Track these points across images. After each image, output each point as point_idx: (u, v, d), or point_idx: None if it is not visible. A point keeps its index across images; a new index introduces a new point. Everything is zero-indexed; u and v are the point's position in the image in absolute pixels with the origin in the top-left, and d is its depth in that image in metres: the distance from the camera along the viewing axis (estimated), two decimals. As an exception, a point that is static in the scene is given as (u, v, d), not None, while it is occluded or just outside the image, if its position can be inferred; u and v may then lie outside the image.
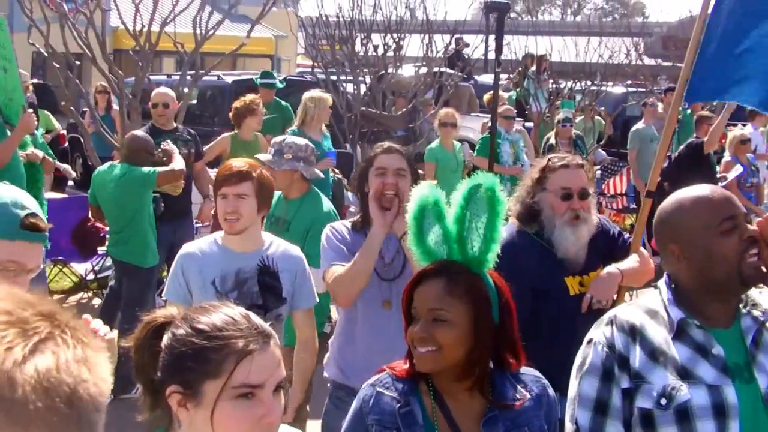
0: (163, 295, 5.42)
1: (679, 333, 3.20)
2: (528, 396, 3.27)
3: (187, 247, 5.36)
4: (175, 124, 10.41)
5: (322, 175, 7.34)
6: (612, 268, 4.98)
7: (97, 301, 11.15)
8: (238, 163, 5.35)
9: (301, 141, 7.18)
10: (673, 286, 3.31)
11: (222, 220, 5.21)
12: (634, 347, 3.21)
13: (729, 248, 3.15)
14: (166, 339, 2.42)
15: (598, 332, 3.33)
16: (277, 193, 6.69)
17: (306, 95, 11.22)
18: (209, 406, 2.34)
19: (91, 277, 11.83)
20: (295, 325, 5.47)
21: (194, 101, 15.89)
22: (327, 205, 7.01)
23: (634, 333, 3.24)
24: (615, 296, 5.02)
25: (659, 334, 3.22)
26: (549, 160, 5.19)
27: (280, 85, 13.55)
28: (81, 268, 12.02)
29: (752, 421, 3.10)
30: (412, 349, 3.20)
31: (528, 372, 3.36)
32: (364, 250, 5.00)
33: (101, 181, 8.84)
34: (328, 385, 5.33)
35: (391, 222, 5.01)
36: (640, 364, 3.18)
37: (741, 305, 3.26)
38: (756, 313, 3.24)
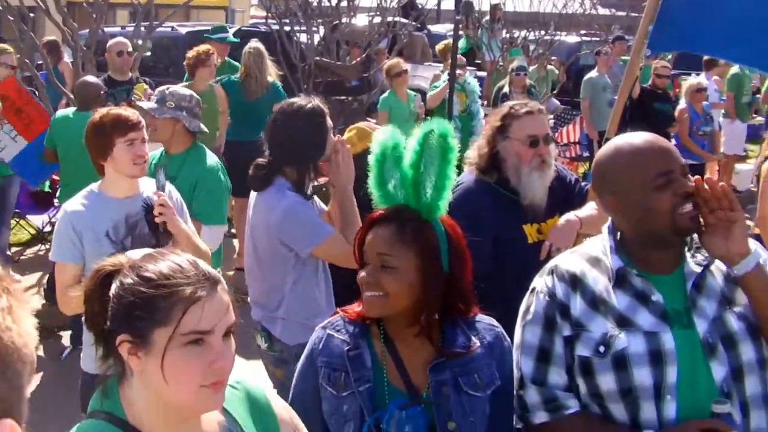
0: (51, 257, 5.24)
1: (619, 281, 3.19)
2: (479, 344, 3.24)
3: (70, 206, 5.23)
4: (130, 75, 10.30)
5: (206, 129, 6.99)
6: (570, 215, 4.97)
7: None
8: (129, 111, 5.35)
9: (186, 91, 6.88)
10: (615, 233, 3.30)
11: (130, 165, 5.16)
12: (574, 296, 3.22)
13: (663, 203, 3.11)
14: (114, 288, 2.36)
15: (540, 281, 3.35)
16: (159, 149, 6.70)
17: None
18: (159, 354, 2.30)
19: (48, 229, 11.70)
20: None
21: (148, 53, 15.69)
22: (212, 159, 6.76)
23: (574, 282, 3.24)
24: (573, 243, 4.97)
25: (600, 283, 3.21)
26: (511, 107, 5.13)
27: (234, 40, 13.12)
28: (38, 220, 11.99)
29: (690, 366, 3.09)
30: (361, 293, 3.18)
31: (483, 320, 3.34)
32: (352, 208, 5.07)
33: (62, 125, 8.71)
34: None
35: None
36: (580, 313, 3.19)
37: (686, 249, 3.25)
38: (699, 257, 3.22)
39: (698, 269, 3.20)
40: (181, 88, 6.98)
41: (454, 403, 3.13)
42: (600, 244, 3.32)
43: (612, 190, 3.22)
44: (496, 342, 3.29)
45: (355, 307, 3.27)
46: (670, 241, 3.19)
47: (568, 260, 3.34)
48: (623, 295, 3.17)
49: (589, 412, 3.19)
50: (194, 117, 6.69)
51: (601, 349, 3.12)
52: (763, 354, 3.17)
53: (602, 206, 3.34)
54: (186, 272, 2.35)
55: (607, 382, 3.12)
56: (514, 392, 3.29)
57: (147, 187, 5.36)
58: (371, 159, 3.23)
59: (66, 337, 8.90)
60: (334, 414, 3.15)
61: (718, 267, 3.22)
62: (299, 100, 5.33)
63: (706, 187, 3.10)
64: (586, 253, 3.33)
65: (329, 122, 5.23)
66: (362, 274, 3.16)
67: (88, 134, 5.27)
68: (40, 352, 8.77)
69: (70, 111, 8.90)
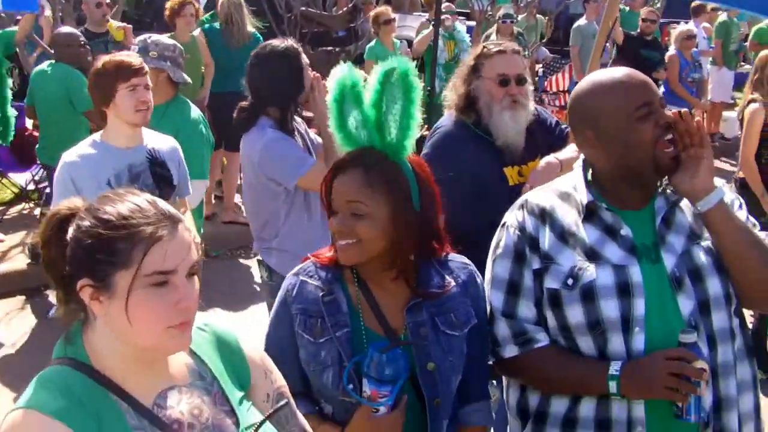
0: (51, 208, 5.24)
1: (588, 215, 3.19)
2: (454, 283, 3.21)
3: (69, 156, 5.23)
4: (106, 28, 10.21)
5: (189, 80, 6.94)
6: (550, 157, 4.95)
7: (38, 212, 11.02)
8: (132, 57, 5.32)
9: (169, 40, 6.78)
10: (588, 169, 3.29)
11: (132, 111, 5.15)
12: (543, 229, 3.22)
13: (644, 135, 3.09)
14: (71, 232, 2.31)
15: (511, 216, 3.34)
16: None
17: None
18: (123, 297, 2.25)
19: (31, 187, 11.63)
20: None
21: (126, 9, 15.54)
22: (195, 112, 6.70)
23: (544, 216, 3.24)
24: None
25: (569, 216, 3.21)
26: (484, 47, 5.13)
27: None
28: (21, 178, 11.81)
29: (658, 299, 3.10)
30: (334, 241, 3.13)
31: (455, 258, 3.30)
32: (332, 147, 5.03)
33: (40, 80, 8.62)
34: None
35: None
36: (549, 246, 3.19)
37: (656, 190, 3.24)
38: (668, 193, 3.22)
39: (667, 205, 3.19)
40: (164, 38, 6.86)
41: (432, 344, 3.11)
42: (571, 180, 3.30)
43: (591, 124, 3.17)
44: (470, 280, 3.26)
45: (327, 252, 3.22)
46: (646, 178, 3.17)
47: (539, 195, 3.32)
48: (593, 229, 3.17)
49: (558, 345, 3.20)
50: (178, 67, 6.60)
51: (570, 281, 3.12)
52: (728, 289, 3.17)
53: (579, 142, 3.29)
54: (145, 212, 2.30)
55: (575, 314, 3.12)
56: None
57: (151, 138, 5.35)
58: (329, 99, 3.14)
59: (52, 295, 8.86)
60: (312, 361, 3.10)
61: (687, 203, 3.21)
62: (273, 42, 5.47)
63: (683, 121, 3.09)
64: (557, 189, 3.32)
65: (305, 59, 5.29)
66: (333, 222, 3.10)
67: (91, 80, 5.26)
68: (28, 311, 8.77)
69: (47, 64, 8.78)
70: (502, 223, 3.36)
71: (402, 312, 3.13)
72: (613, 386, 3.04)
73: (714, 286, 3.15)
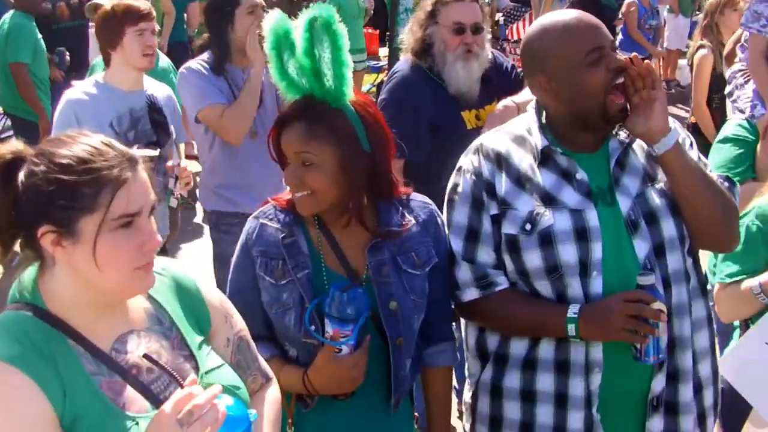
0: None
1: (544, 159, 3.14)
2: (414, 221, 3.18)
3: (73, 93, 5.20)
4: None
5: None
6: (507, 101, 4.91)
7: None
8: (140, 1, 5.26)
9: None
10: (541, 112, 3.24)
11: (139, 55, 5.13)
12: (500, 174, 3.17)
13: (596, 80, 3.03)
14: (23, 178, 2.23)
15: (467, 160, 3.28)
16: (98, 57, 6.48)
17: None
18: (89, 242, 2.20)
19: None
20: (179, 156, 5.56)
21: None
22: (164, 60, 6.70)
23: (500, 160, 3.19)
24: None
25: (525, 161, 3.16)
26: None
27: None
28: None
29: (615, 242, 3.08)
30: (291, 193, 3.09)
31: (416, 198, 3.27)
32: (249, 89, 5.15)
33: None
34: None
35: None
36: (506, 191, 3.15)
37: (609, 135, 3.20)
38: (622, 135, 3.18)
39: (621, 147, 3.16)
40: None
41: (394, 282, 3.09)
42: (525, 123, 3.26)
43: (542, 68, 3.13)
44: (431, 219, 3.23)
45: (287, 195, 3.17)
46: (596, 124, 3.12)
47: (494, 139, 3.27)
48: (548, 174, 3.13)
49: (517, 289, 3.18)
50: None
51: (528, 226, 3.09)
52: (682, 230, 3.16)
53: (530, 85, 3.25)
54: (105, 154, 2.25)
55: (533, 259, 3.10)
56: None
57: (150, 84, 5.34)
58: (267, 47, 3.07)
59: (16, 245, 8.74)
60: (275, 303, 3.07)
61: (640, 145, 3.18)
62: None
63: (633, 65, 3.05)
64: (512, 132, 3.27)
65: (246, 7, 5.22)
66: (286, 174, 3.06)
67: (98, 23, 5.25)
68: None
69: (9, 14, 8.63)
70: (457, 167, 3.30)
71: (363, 252, 3.10)
72: (571, 329, 3.02)
73: (668, 227, 3.14)
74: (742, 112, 5.13)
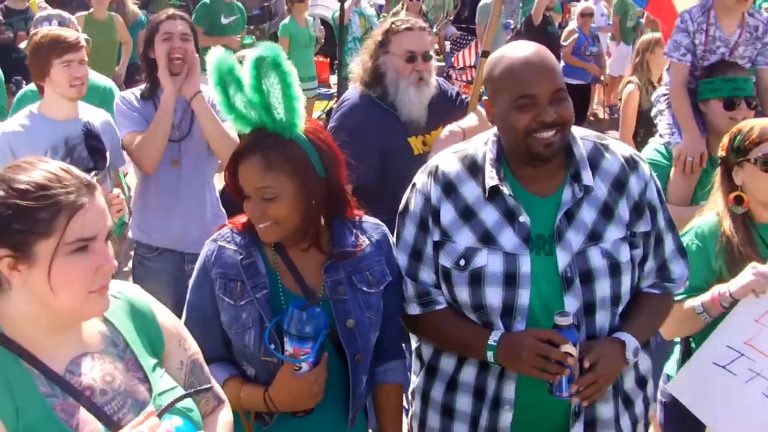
0: None
1: (492, 195, 3.13)
2: (368, 242, 3.23)
3: (8, 125, 5.15)
4: (27, 5, 9.97)
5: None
6: (453, 126, 4.98)
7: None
8: (68, 32, 5.23)
9: (67, 15, 6.59)
10: (500, 141, 3.22)
11: (67, 86, 5.06)
12: (446, 203, 3.19)
13: (519, 123, 3.04)
14: None
15: (421, 178, 3.30)
16: (25, 88, 6.45)
17: None
18: (45, 266, 2.22)
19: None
20: (114, 183, 5.40)
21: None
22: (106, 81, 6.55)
23: (449, 188, 3.20)
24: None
25: (473, 193, 3.16)
26: (392, 23, 5.15)
27: None
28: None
29: (545, 292, 3.09)
30: (254, 225, 3.12)
31: (368, 220, 3.32)
32: (159, 115, 5.07)
33: None
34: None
35: (179, 86, 5.06)
36: (449, 222, 3.17)
37: (568, 174, 3.18)
38: (577, 187, 3.14)
39: (573, 199, 3.12)
40: (63, 13, 6.70)
41: (350, 301, 3.13)
42: (483, 149, 3.23)
43: (489, 95, 3.18)
44: (384, 239, 3.29)
45: (242, 218, 3.21)
46: (527, 160, 3.11)
47: (450, 163, 3.25)
48: (493, 211, 3.13)
49: (454, 309, 3.22)
50: None
51: (462, 262, 3.13)
52: (618, 292, 3.15)
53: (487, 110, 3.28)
54: (63, 180, 2.26)
55: (462, 294, 3.15)
56: None
57: (86, 111, 5.27)
58: (212, 84, 3.09)
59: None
60: (234, 323, 3.10)
61: (597, 198, 3.15)
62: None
63: None
64: (469, 159, 3.24)
65: (162, 34, 5.15)
66: (247, 208, 3.09)
67: (29, 55, 5.19)
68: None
69: None
70: (413, 182, 3.33)
71: (319, 272, 3.14)
72: (490, 355, 3.08)
73: (603, 289, 3.12)
74: (661, 136, 5.23)
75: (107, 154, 5.23)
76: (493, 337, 3.07)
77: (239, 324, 3.09)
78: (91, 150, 5.10)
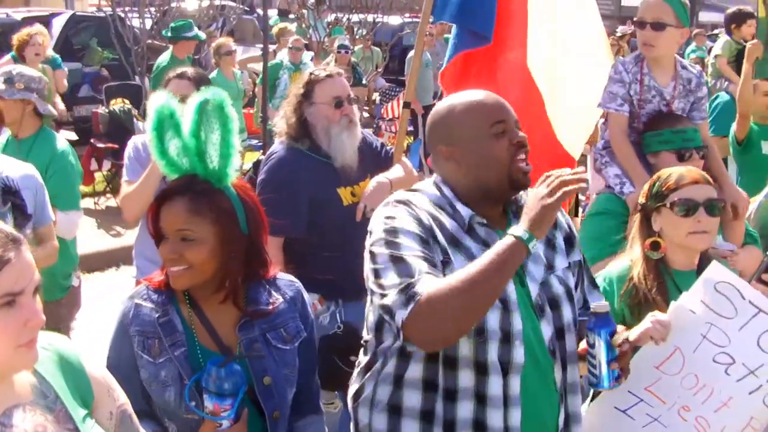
0: None
1: (468, 229, 3.11)
2: (282, 299, 3.25)
3: None
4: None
5: (55, 113, 6.62)
6: (381, 177, 5.01)
7: None
8: None
9: (35, 72, 6.36)
10: (447, 186, 3.19)
11: None
12: (437, 229, 3.07)
13: (500, 150, 3.11)
14: None
15: (398, 211, 3.08)
16: (5, 134, 6.28)
17: None
18: None
19: None
20: (39, 241, 5.12)
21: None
22: (63, 142, 6.27)
23: (433, 217, 3.10)
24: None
25: (452, 225, 3.11)
26: (311, 74, 5.17)
27: (201, 37, 13.21)
28: None
29: (527, 321, 3.09)
30: (166, 267, 3.12)
31: (283, 277, 3.33)
32: (146, 174, 5.03)
33: None
34: None
35: None
36: (446, 244, 3.06)
37: (509, 208, 3.24)
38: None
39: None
40: (28, 69, 6.46)
41: (267, 358, 3.13)
42: (436, 191, 3.19)
43: (448, 141, 3.18)
44: (297, 296, 3.30)
45: (158, 276, 3.21)
46: (501, 193, 3.16)
47: (420, 199, 3.14)
48: (472, 242, 3.10)
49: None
50: (43, 99, 6.17)
51: None
52: (576, 316, 3.24)
53: (436, 160, 3.25)
54: None
55: None
56: (372, 309, 3.13)
57: (6, 165, 5.09)
58: (148, 127, 3.10)
59: None
60: (154, 381, 3.10)
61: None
62: None
63: None
64: (432, 198, 3.17)
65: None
66: (163, 249, 3.09)
67: None
68: None
69: None
70: (381, 216, 3.10)
71: (234, 329, 3.15)
72: (532, 242, 2.92)
73: (567, 313, 3.19)
74: (610, 187, 5.24)
75: (29, 209, 5.07)
76: (516, 230, 2.93)
77: (159, 381, 3.09)
78: (13, 205, 4.93)
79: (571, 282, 3.29)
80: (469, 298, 2.87)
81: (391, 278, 2.94)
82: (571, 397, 3.23)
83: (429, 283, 2.88)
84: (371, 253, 3.05)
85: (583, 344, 3.19)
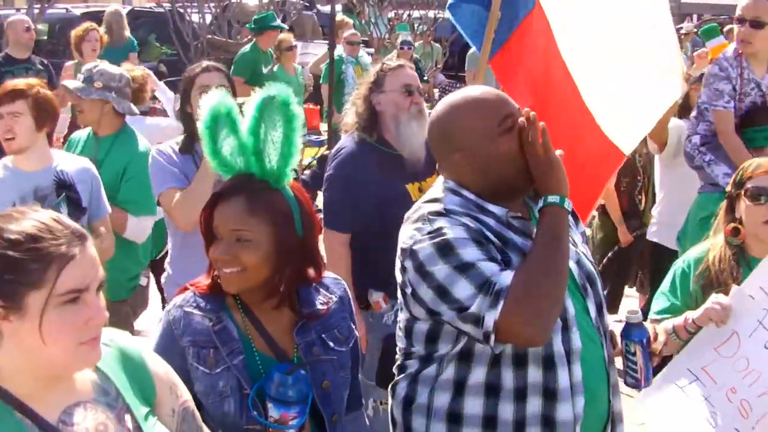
0: None
1: (507, 225, 3.06)
2: (334, 299, 3.14)
3: None
4: (28, 54, 9.96)
5: (137, 111, 6.43)
6: None
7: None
8: (15, 82, 5.05)
9: (116, 69, 6.22)
10: (466, 189, 3.10)
11: (2, 140, 4.95)
12: (484, 229, 2.99)
13: (513, 145, 3.02)
14: None
15: (441, 222, 2.98)
16: (86, 130, 6.21)
17: None
18: (35, 317, 2.15)
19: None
20: (94, 234, 4.98)
21: (45, 37, 15.27)
22: (143, 143, 6.10)
23: (476, 220, 3.01)
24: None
25: (495, 224, 3.04)
26: (382, 64, 5.19)
27: (282, 26, 13.36)
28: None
29: (579, 303, 3.10)
30: (217, 270, 2.97)
31: (329, 275, 3.20)
32: (200, 175, 4.77)
33: None
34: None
35: None
36: (499, 242, 3.00)
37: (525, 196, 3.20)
38: (534, 204, 3.12)
39: (540, 204, 3.07)
40: (110, 67, 6.27)
41: (325, 362, 3.04)
42: (458, 201, 3.07)
43: (457, 146, 3.08)
44: (345, 295, 3.20)
45: (205, 280, 3.06)
46: (525, 185, 3.09)
47: (448, 206, 3.05)
48: (516, 236, 3.05)
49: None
50: (124, 98, 6.06)
51: None
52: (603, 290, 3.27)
53: (446, 167, 3.16)
54: (54, 231, 2.20)
55: None
56: (457, 325, 2.95)
57: (61, 159, 5.10)
58: (200, 126, 2.96)
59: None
60: (211, 393, 2.93)
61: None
62: None
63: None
64: (461, 204, 3.07)
65: (198, 88, 4.92)
66: (216, 250, 2.93)
67: None
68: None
69: None
70: (424, 231, 2.99)
71: (289, 333, 3.03)
72: (556, 198, 3.00)
73: (600, 289, 3.22)
74: (714, 186, 5.32)
75: (83, 203, 5.07)
76: (547, 199, 2.99)
77: (216, 393, 2.93)
78: (70, 201, 4.97)
79: (590, 255, 3.29)
80: (550, 280, 2.88)
81: (463, 288, 2.88)
82: (611, 370, 3.19)
83: (508, 279, 2.86)
84: (426, 273, 2.95)
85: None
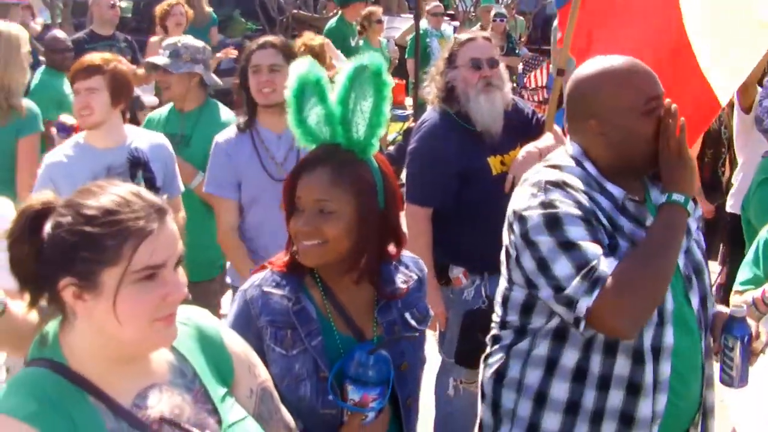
0: None
1: (622, 207, 2.97)
2: (414, 277, 3.05)
3: (51, 157, 4.98)
4: (112, 31, 10.00)
5: (220, 83, 6.28)
6: (530, 146, 4.87)
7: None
8: (92, 57, 4.96)
9: (198, 42, 6.13)
10: (588, 160, 3.03)
11: (79, 116, 4.90)
12: (596, 210, 2.92)
13: (651, 128, 2.92)
14: (49, 228, 2.10)
15: (553, 195, 2.91)
16: (167, 107, 6.16)
17: None
18: (111, 295, 2.07)
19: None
20: None
21: (129, 15, 15.38)
22: (227, 114, 6.03)
23: (591, 197, 2.94)
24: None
25: (607, 206, 2.96)
26: (455, 38, 5.17)
27: None
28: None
29: (678, 296, 3.00)
30: (296, 243, 2.84)
31: (406, 254, 3.09)
32: (239, 266, 4.98)
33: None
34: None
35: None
36: (609, 225, 2.93)
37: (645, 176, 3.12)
38: (658, 184, 3.05)
39: (662, 198, 2.97)
40: (193, 39, 6.20)
41: (404, 342, 2.95)
42: (581, 173, 3.01)
43: (595, 113, 2.98)
44: (423, 274, 3.10)
45: (282, 258, 2.95)
46: (646, 168, 3.01)
47: (568, 178, 2.97)
48: (626, 220, 2.96)
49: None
50: (209, 69, 6.04)
51: None
52: (710, 281, 3.13)
53: (577, 130, 3.07)
54: (132, 205, 2.11)
55: None
56: (551, 304, 2.91)
57: (136, 136, 5.05)
58: (287, 94, 2.86)
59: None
60: (287, 375, 2.83)
61: None
62: None
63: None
64: (575, 179, 2.98)
65: (252, 66, 4.94)
66: (298, 222, 2.81)
67: None
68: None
69: (41, 70, 8.48)
70: (540, 203, 2.92)
71: (368, 312, 2.93)
72: (681, 198, 2.91)
73: (707, 281, 3.09)
74: None
75: (158, 182, 5.03)
76: (672, 197, 2.91)
77: (292, 375, 2.82)
78: (137, 178, 4.91)
79: (703, 243, 3.18)
80: (653, 275, 2.79)
81: (563, 267, 2.82)
82: (707, 361, 3.14)
83: (610, 267, 2.78)
84: (531, 242, 2.90)
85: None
